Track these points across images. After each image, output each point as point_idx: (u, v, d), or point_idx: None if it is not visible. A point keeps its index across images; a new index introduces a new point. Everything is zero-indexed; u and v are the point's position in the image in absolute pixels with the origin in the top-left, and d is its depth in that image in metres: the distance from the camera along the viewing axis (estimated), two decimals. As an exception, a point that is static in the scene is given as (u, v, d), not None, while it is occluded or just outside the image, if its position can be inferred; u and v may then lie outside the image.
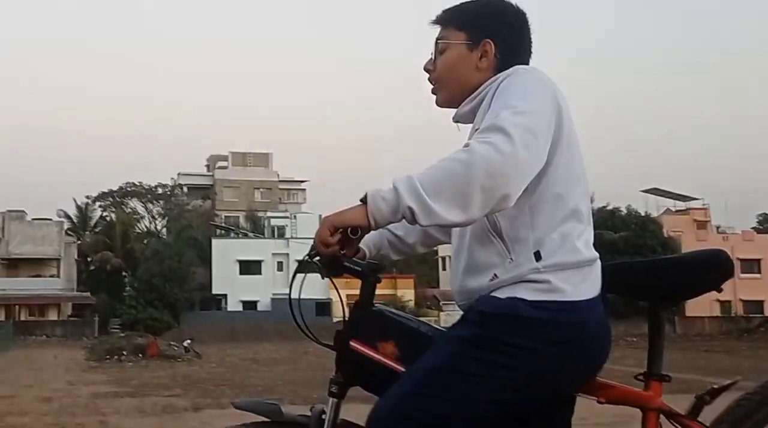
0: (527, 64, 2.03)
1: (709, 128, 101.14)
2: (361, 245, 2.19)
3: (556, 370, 1.84)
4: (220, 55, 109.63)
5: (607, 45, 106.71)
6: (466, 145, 1.73)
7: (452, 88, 2.04)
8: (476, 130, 1.88)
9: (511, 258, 1.85)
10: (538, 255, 1.83)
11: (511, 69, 1.93)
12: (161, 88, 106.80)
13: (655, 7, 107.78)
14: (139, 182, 65.17)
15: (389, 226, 2.23)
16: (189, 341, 29.06)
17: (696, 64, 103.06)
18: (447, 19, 2.06)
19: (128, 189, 64.82)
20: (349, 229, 1.82)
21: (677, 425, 1.91)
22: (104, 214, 61.54)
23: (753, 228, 60.08)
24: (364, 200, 1.78)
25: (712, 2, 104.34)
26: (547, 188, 1.85)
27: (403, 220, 1.77)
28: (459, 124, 2.08)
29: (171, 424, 9.52)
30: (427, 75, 2.09)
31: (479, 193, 1.70)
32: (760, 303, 50.58)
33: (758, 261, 51.21)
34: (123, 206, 62.97)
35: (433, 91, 2.08)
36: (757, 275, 51.03)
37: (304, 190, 74.47)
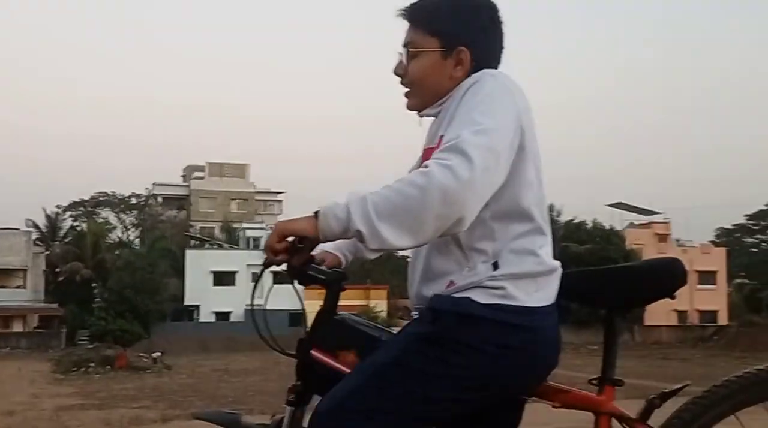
0: (499, 61, 1.99)
1: (673, 148, 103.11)
2: (337, 252, 2.18)
3: (505, 374, 1.84)
4: (198, 63, 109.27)
5: (574, 57, 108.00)
6: (426, 166, 1.70)
7: (425, 96, 1.98)
8: (440, 136, 1.86)
9: (469, 267, 1.85)
10: (495, 266, 1.84)
11: (478, 74, 1.89)
12: (137, 96, 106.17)
13: (606, 24, 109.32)
14: (112, 192, 64.66)
15: None
16: (159, 353, 28.78)
17: (663, 87, 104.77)
18: (417, 20, 1.97)
19: (101, 198, 64.23)
20: (296, 239, 1.82)
21: (628, 427, 1.95)
22: (75, 223, 60.88)
23: (711, 241, 61.75)
24: (316, 213, 1.77)
25: (676, 21, 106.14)
26: (508, 200, 1.84)
27: None
28: (422, 119, 2.03)
29: (138, 436, 9.42)
30: (398, 78, 2.02)
31: (433, 220, 1.68)
32: (715, 313, 52.42)
33: (714, 273, 52.93)
34: (95, 216, 62.33)
35: (406, 95, 2.03)
36: (713, 286, 52.80)
37: (281, 201, 74.20)
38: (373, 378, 1.81)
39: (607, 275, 2.07)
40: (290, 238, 1.83)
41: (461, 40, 1.93)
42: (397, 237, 1.69)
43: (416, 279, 1.96)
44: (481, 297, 1.82)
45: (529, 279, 1.85)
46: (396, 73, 2.02)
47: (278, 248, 1.83)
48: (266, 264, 1.92)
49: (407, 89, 2.01)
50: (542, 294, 1.87)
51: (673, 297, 1.98)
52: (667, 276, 2.00)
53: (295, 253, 1.87)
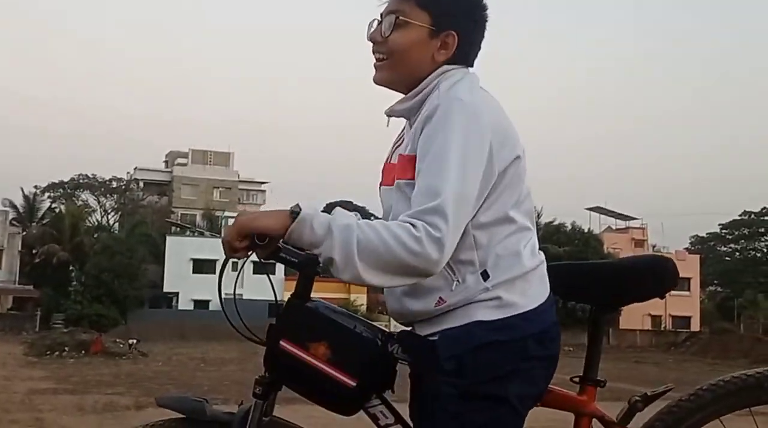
0: (473, 62, 1.94)
1: (652, 155, 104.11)
2: None
3: (542, 381, 1.84)
4: (187, 47, 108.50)
5: (553, 60, 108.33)
6: (416, 228, 1.66)
7: (400, 73, 1.89)
8: (400, 155, 1.84)
9: (458, 281, 1.79)
10: (485, 275, 1.79)
11: (445, 98, 1.79)
12: (123, 79, 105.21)
13: (587, 29, 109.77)
14: (93, 175, 64.01)
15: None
16: (135, 340, 28.57)
17: (638, 99, 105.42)
18: None
19: (80, 181, 63.52)
20: (256, 235, 1.75)
21: (609, 430, 1.92)
22: (53, 205, 60.14)
23: (686, 248, 62.72)
24: (294, 213, 1.71)
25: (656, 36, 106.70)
26: (490, 214, 1.80)
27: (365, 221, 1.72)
28: (390, 119, 1.96)
29: (111, 422, 9.34)
30: (372, 44, 1.92)
31: (409, 278, 1.70)
32: (688, 319, 53.24)
33: (689, 279, 53.55)
34: (74, 198, 61.68)
35: (377, 67, 1.92)
36: (687, 293, 53.48)
37: (264, 191, 73.90)
38: None
39: (595, 270, 2.02)
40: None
41: (452, 24, 1.87)
42: (371, 277, 1.68)
43: (397, 294, 1.88)
44: (481, 314, 1.78)
45: (520, 280, 1.81)
46: (372, 39, 1.91)
47: (239, 246, 1.76)
48: (226, 258, 1.84)
49: (381, 60, 1.91)
50: (536, 289, 1.84)
51: (662, 297, 1.94)
52: (657, 276, 1.96)
53: (256, 248, 1.79)
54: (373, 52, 1.92)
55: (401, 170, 1.84)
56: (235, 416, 1.92)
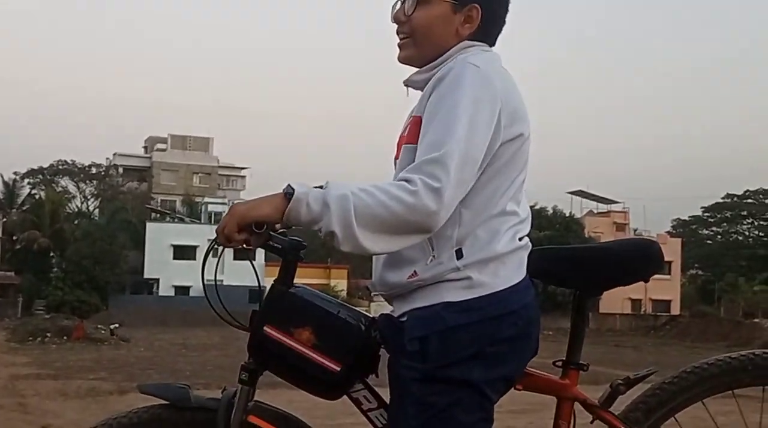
0: (497, 38, 1.94)
1: (636, 139, 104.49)
2: None
3: (513, 364, 1.83)
4: (164, 35, 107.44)
5: (534, 49, 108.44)
6: (412, 182, 1.66)
7: (424, 49, 1.89)
8: (413, 117, 1.83)
9: (433, 256, 1.79)
10: (459, 253, 1.78)
11: (458, 62, 1.81)
12: (101, 65, 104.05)
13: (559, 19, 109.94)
14: (72, 160, 63.38)
15: None
16: (116, 325, 28.43)
17: (621, 81, 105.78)
18: None
19: (60, 167, 62.89)
20: (254, 225, 1.73)
21: (591, 414, 1.94)
22: (33, 191, 59.54)
23: (667, 232, 62.39)
24: (288, 194, 1.69)
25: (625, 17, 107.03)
26: (480, 187, 1.79)
27: None
28: (408, 89, 1.96)
29: (94, 407, 9.32)
30: (396, 25, 1.92)
31: (412, 236, 1.69)
32: (668, 302, 53.29)
33: (670, 263, 53.51)
34: (53, 184, 61.06)
35: (400, 46, 1.93)
36: (667, 276, 53.44)
37: (244, 177, 73.51)
38: None
39: (580, 254, 2.00)
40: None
41: None
42: (372, 244, 1.67)
43: (381, 262, 1.90)
44: (450, 294, 1.78)
45: (494, 262, 1.80)
46: (396, 18, 1.92)
47: (238, 238, 1.75)
48: (216, 246, 1.83)
49: (404, 39, 1.92)
50: (510, 272, 1.82)
51: (647, 281, 1.93)
52: (643, 259, 1.95)
53: (253, 237, 1.78)
54: (397, 33, 1.93)
55: (409, 135, 1.85)
56: (221, 401, 1.91)
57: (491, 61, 1.86)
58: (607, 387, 1.95)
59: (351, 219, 1.64)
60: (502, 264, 1.81)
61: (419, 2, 1.87)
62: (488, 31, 1.90)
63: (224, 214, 1.78)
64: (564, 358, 1.97)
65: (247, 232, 1.75)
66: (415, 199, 1.63)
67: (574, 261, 1.98)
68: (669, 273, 53.83)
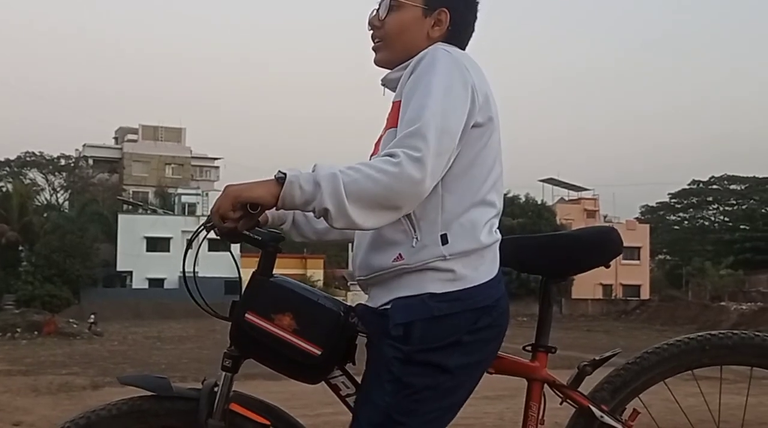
0: (468, 41, 2.02)
1: (606, 126, 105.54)
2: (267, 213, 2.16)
3: (486, 352, 1.90)
4: (134, 25, 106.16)
5: (505, 37, 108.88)
6: (393, 155, 1.72)
7: (397, 52, 1.98)
8: (394, 102, 1.89)
9: (417, 238, 1.85)
10: (444, 239, 1.84)
11: (431, 48, 1.90)
12: (69, 55, 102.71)
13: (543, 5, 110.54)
14: (40, 152, 62.55)
15: None
16: (93, 317, 28.21)
17: (598, 67, 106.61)
18: None
19: (27, 159, 62.05)
20: (248, 205, 1.78)
21: (560, 394, 2.00)
22: (0, 184, 58.75)
23: (636, 218, 63.04)
24: (280, 179, 1.74)
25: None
26: (460, 172, 1.86)
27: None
28: (385, 89, 2.04)
29: (67, 403, 9.24)
30: (370, 30, 2.01)
31: (400, 207, 1.73)
32: (638, 287, 54.00)
33: (639, 248, 54.38)
34: (21, 177, 60.25)
35: (375, 49, 2.02)
36: (637, 261, 54.38)
37: (218, 167, 73.00)
38: (393, 421, 1.82)
39: (543, 242, 2.10)
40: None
41: (444, 2, 1.96)
42: (363, 219, 1.72)
43: (364, 246, 1.95)
44: (434, 286, 1.84)
45: (475, 255, 1.87)
46: (371, 23, 2.01)
47: (233, 216, 1.79)
48: (208, 229, 1.87)
49: (378, 42, 2.00)
50: (488, 266, 1.90)
51: (607, 266, 2.01)
52: (603, 245, 2.04)
53: (243, 218, 1.82)
54: (372, 38, 2.02)
55: (391, 120, 1.92)
56: (202, 391, 1.94)
57: (462, 52, 1.95)
58: (575, 369, 2.01)
59: (342, 196, 1.69)
60: (481, 257, 1.89)
61: (391, 8, 1.96)
62: (457, 35, 1.99)
63: (218, 196, 1.82)
64: (533, 342, 2.03)
65: (241, 212, 1.79)
66: (399, 169, 1.69)
67: (539, 249, 2.07)
68: (638, 259, 54.67)
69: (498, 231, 1.95)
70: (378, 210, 1.72)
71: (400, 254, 1.86)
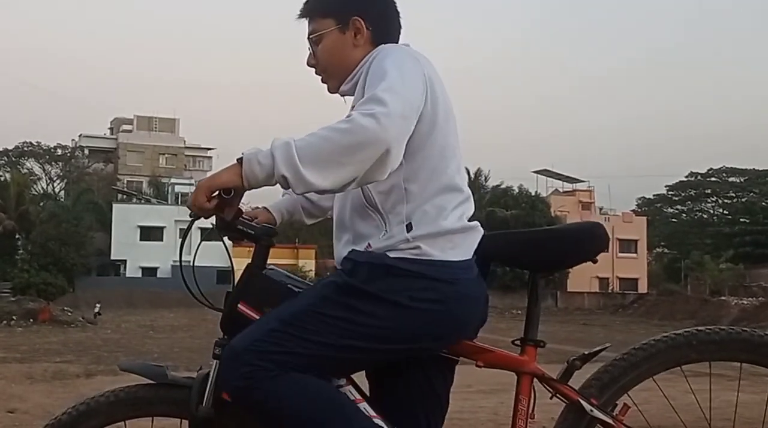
0: (399, 34, 2.08)
1: (601, 118, 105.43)
2: (273, 210, 2.27)
3: (422, 326, 1.90)
4: (130, 14, 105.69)
5: (504, 32, 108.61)
6: (349, 116, 1.76)
7: (339, 73, 2.05)
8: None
9: (386, 231, 1.91)
10: (409, 227, 1.90)
11: (379, 48, 1.98)
12: (66, 44, 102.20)
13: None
14: (37, 142, 62.38)
15: None
16: (98, 306, 28.21)
17: (592, 67, 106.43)
18: (311, 10, 2.07)
19: (25, 148, 61.93)
20: (222, 191, 1.82)
21: (549, 388, 2.01)
22: (-3, 173, 58.58)
23: (633, 210, 62.22)
24: (239, 160, 1.78)
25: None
26: (422, 163, 1.91)
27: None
28: (345, 98, 2.10)
29: (61, 390, 9.27)
30: (313, 70, 2.10)
31: (357, 160, 1.73)
32: (635, 281, 53.32)
33: (636, 241, 53.77)
34: (18, 166, 60.14)
35: (323, 81, 2.10)
36: (634, 254, 53.74)
37: (211, 157, 72.79)
38: (289, 324, 1.85)
39: (530, 238, 2.11)
40: (216, 193, 1.82)
41: (351, 11, 2.03)
42: (322, 179, 1.73)
43: (342, 243, 2.01)
44: (396, 254, 1.89)
45: (442, 237, 1.91)
46: (309, 64, 2.10)
47: (209, 206, 1.83)
48: (194, 219, 1.91)
49: (322, 75, 2.09)
50: (458, 250, 1.93)
51: (594, 261, 2.02)
52: (588, 240, 2.04)
53: (224, 207, 1.87)
54: (316, 74, 2.10)
55: None
56: (195, 379, 1.99)
57: (409, 47, 2.02)
58: (564, 363, 2.02)
59: (295, 160, 1.72)
60: (449, 241, 1.92)
61: (313, 43, 2.06)
62: (383, 33, 2.05)
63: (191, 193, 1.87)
64: (522, 336, 2.04)
65: (217, 200, 1.83)
66: (350, 125, 1.72)
67: (527, 244, 2.08)
68: (635, 252, 53.98)
69: (476, 223, 1.99)
70: (334, 167, 1.72)
71: (369, 243, 1.92)
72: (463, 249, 1.94)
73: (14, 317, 24.65)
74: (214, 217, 1.92)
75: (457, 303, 1.91)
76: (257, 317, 1.94)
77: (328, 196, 2.27)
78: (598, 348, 2.05)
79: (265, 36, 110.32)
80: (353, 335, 1.85)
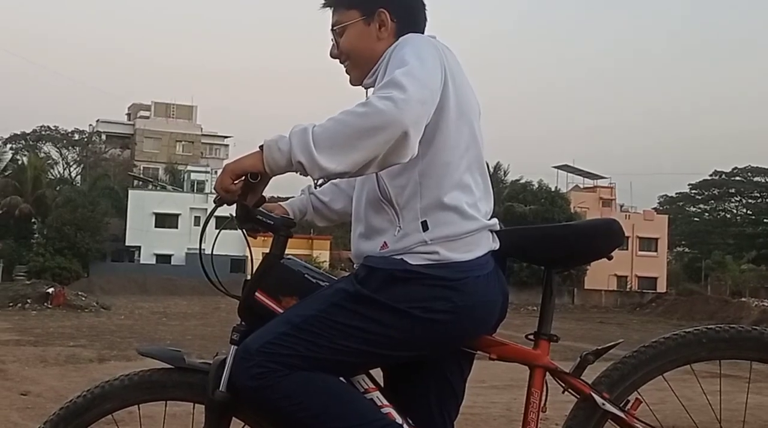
0: (424, 26, 2.06)
1: (624, 114, 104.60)
2: (287, 207, 2.30)
3: (436, 335, 1.90)
4: (151, 3, 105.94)
5: (527, 24, 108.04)
6: (366, 100, 1.77)
7: (362, 65, 2.05)
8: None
9: (400, 226, 1.90)
10: (425, 225, 1.89)
11: (402, 38, 1.96)
12: (87, 32, 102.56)
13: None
14: (55, 126, 62.79)
15: (316, 191, 2.31)
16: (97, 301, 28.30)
17: (612, 60, 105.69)
18: (336, 0, 2.06)
19: (43, 132, 62.33)
20: (248, 175, 1.85)
21: (561, 382, 2.01)
22: (15, 157, 58.95)
23: (654, 208, 61.61)
24: (261, 146, 1.81)
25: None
26: (435, 157, 1.89)
27: (331, 184, 1.89)
28: (368, 90, 2.08)
29: (74, 374, 9.32)
30: (337, 61, 2.09)
31: (373, 143, 1.72)
32: (654, 279, 52.61)
33: (656, 240, 53.15)
34: (36, 150, 60.52)
35: (348, 72, 2.10)
36: (654, 253, 53.07)
37: (227, 145, 73.06)
38: (300, 329, 1.87)
39: (545, 233, 2.11)
40: (242, 178, 1.85)
41: (377, 3, 2.01)
42: (336, 164, 1.73)
43: (356, 235, 2.02)
44: (414, 259, 1.88)
45: (460, 240, 1.90)
46: (332, 55, 2.10)
47: (233, 188, 1.86)
48: (219, 203, 1.93)
49: (346, 65, 2.08)
50: (471, 247, 1.92)
51: (609, 258, 2.02)
52: (603, 237, 2.04)
53: (248, 193, 1.90)
54: (341, 63, 2.09)
55: None
56: (212, 364, 2.00)
57: (430, 36, 2.01)
58: (577, 358, 2.02)
59: (310, 146, 1.72)
60: (466, 244, 1.91)
61: (338, 33, 2.05)
62: (410, 22, 2.04)
63: (218, 174, 1.89)
64: (536, 330, 2.04)
65: (241, 183, 1.86)
66: (367, 108, 1.72)
67: (541, 239, 2.08)
68: (656, 251, 53.28)
69: (495, 219, 1.98)
70: (349, 151, 1.71)
71: (385, 242, 1.92)
72: (476, 246, 1.93)
73: (29, 300, 24.84)
74: (234, 207, 1.94)
75: (473, 311, 1.91)
76: (273, 305, 1.97)
77: (340, 197, 2.31)
78: (611, 344, 2.05)
79: (285, 24, 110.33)
80: (365, 342, 1.87)
